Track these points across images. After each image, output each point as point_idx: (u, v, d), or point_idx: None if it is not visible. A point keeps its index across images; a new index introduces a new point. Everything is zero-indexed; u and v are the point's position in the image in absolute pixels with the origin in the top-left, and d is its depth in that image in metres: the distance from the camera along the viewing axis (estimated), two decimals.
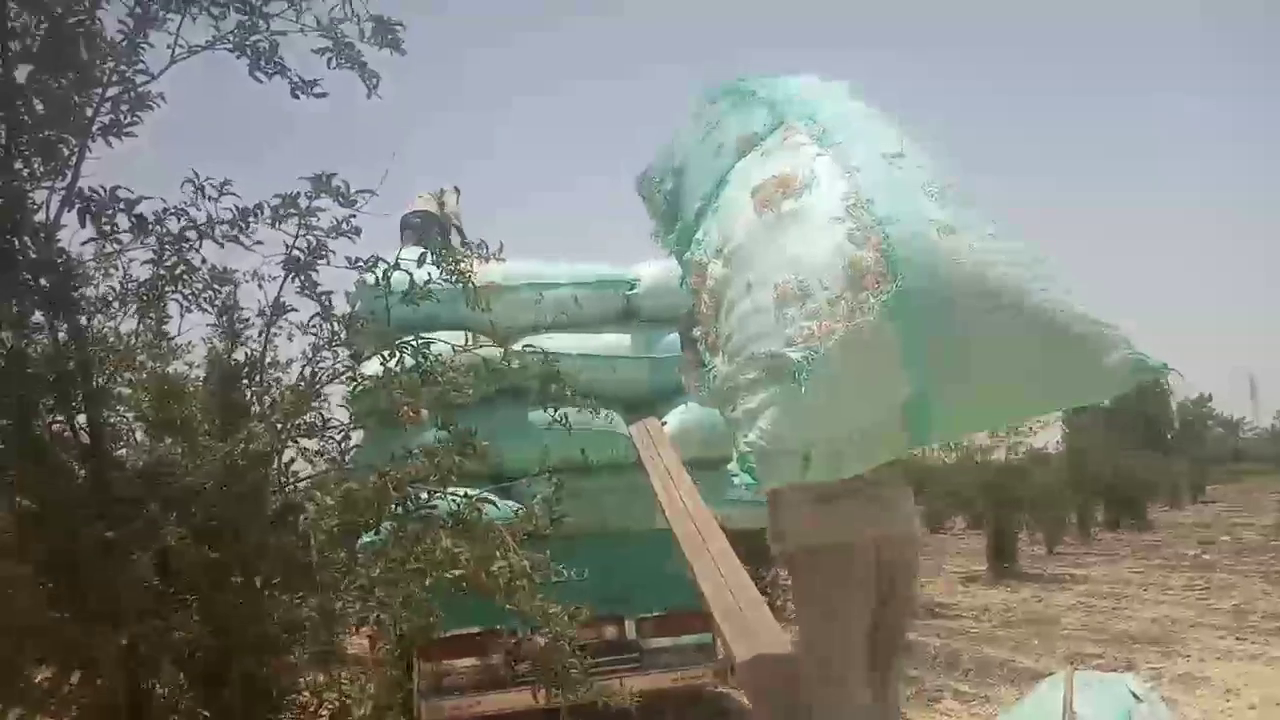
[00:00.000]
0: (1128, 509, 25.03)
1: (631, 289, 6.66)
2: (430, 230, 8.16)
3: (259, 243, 3.27)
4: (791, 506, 3.00)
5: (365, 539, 3.28)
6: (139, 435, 3.70)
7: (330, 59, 3.25)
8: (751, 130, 3.12)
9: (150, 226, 3.12)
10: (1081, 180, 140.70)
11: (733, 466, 3.70)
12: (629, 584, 5.97)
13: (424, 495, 3.18)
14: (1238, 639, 9.35)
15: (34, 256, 2.93)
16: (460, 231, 8.34)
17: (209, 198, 3.14)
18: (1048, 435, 24.56)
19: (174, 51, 3.10)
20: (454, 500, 3.24)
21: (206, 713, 2.75)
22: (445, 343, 3.67)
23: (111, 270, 4.15)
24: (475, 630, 5.08)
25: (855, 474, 2.69)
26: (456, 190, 8.87)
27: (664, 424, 5.90)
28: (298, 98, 3.27)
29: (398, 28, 3.29)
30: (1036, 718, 4.38)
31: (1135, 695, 4.16)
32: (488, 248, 3.95)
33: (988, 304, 2.45)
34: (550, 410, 3.84)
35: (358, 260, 3.36)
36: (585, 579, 5.80)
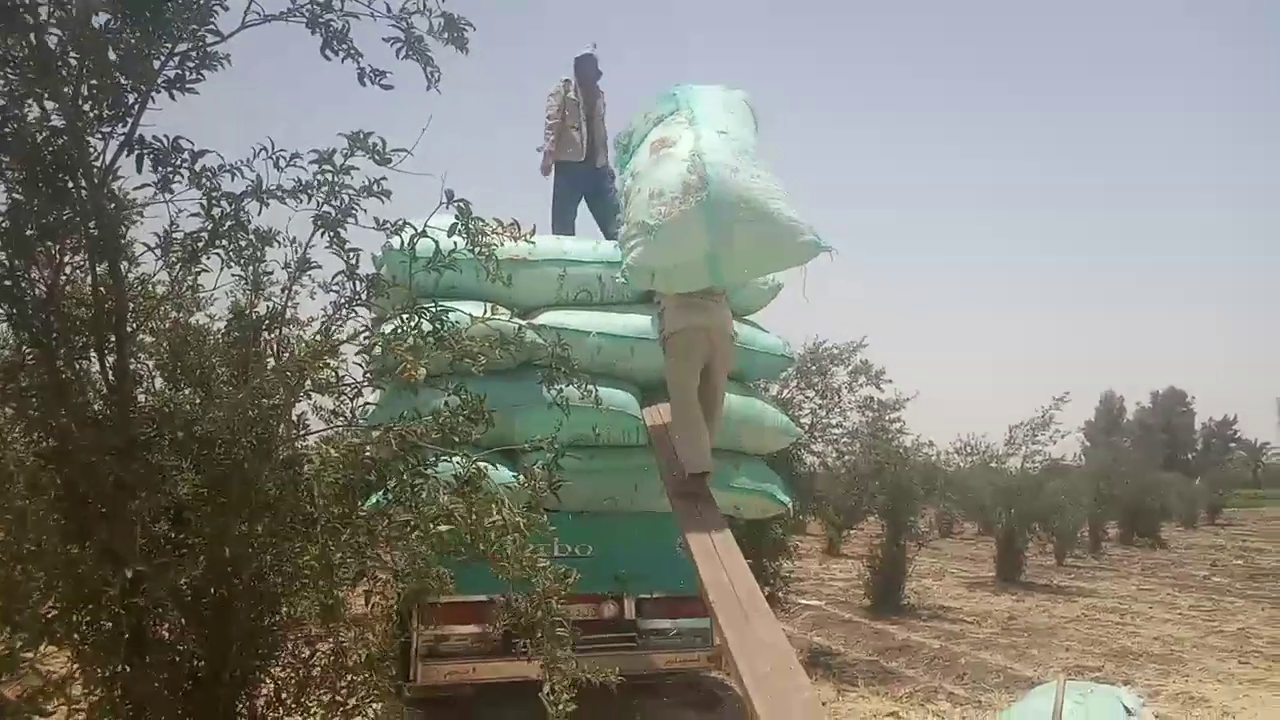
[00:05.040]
0: (1142, 526, 24.86)
1: None
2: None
3: (296, 198, 3.32)
4: (668, 310, 5.60)
5: (374, 499, 3.33)
6: (159, 381, 3.76)
7: (400, 49, 3.29)
8: (662, 114, 5.71)
9: (203, 180, 3.18)
10: (1129, 187, 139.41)
11: (619, 274, 5.61)
12: (631, 563, 6.01)
13: (430, 458, 3.22)
14: (1240, 663, 9.31)
15: (85, 197, 2.98)
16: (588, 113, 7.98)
17: (279, 168, 3.22)
18: (1067, 446, 24.41)
19: (245, 16, 3.15)
20: (459, 463, 3.28)
21: (201, 653, 2.80)
22: (464, 312, 3.70)
23: (159, 216, 4.23)
24: (479, 598, 5.08)
25: (684, 290, 5.39)
26: (591, 53, 8.11)
27: None
28: (365, 85, 3.32)
29: (467, 28, 3.33)
30: None
31: (1126, 708, 4.16)
32: (520, 227, 4.00)
33: (746, 206, 4.99)
34: (551, 390, 4.16)
35: (385, 223, 3.40)
36: (589, 555, 5.86)
